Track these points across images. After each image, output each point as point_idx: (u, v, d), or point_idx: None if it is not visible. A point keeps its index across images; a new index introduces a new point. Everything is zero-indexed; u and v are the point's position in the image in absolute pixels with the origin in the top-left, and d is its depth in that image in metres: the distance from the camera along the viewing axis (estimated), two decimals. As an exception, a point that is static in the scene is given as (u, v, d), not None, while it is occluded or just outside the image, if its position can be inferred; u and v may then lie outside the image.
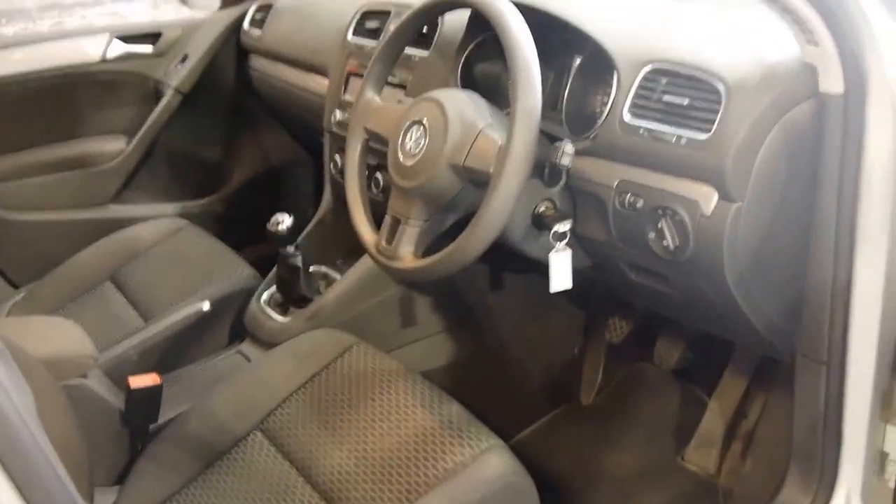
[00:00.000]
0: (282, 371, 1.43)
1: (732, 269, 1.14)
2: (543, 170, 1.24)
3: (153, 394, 1.38)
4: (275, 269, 1.81)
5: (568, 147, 1.22)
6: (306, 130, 2.08)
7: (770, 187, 1.10)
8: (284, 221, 1.67)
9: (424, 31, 1.61)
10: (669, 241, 1.16)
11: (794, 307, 1.18)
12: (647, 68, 1.21)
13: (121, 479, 1.34)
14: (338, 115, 1.82)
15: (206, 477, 1.26)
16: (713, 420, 1.66)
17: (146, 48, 2.44)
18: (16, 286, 2.16)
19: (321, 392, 1.36)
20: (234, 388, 1.42)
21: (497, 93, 1.45)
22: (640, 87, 1.21)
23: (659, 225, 1.17)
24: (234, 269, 1.88)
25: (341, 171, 1.74)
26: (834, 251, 1.08)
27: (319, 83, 1.98)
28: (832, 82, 1.02)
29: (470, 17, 1.51)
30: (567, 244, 1.30)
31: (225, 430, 1.33)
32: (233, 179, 2.54)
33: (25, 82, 2.25)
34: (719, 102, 1.10)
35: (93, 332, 1.45)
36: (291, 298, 1.78)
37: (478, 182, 1.20)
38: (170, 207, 2.42)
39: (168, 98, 2.37)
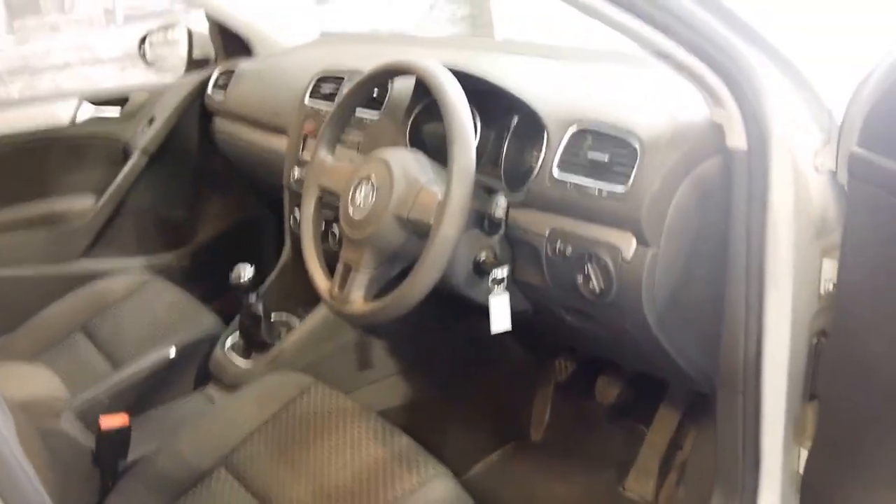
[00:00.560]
0: (244, 411, 1.48)
1: (651, 309, 1.20)
2: (483, 221, 1.32)
3: (122, 434, 1.40)
4: (238, 316, 1.85)
5: (501, 200, 1.31)
6: (268, 187, 2.10)
7: (683, 233, 1.17)
8: (245, 272, 1.72)
9: (375, 95, 1.67)
10: (595, 284, 1.23)
11: (711, 344, 1.21)
12: (573, 129, 1.28)
13: (92, 515, 1.38)
14: (296, 172, 1.86)
15: None
16: (650, 452, 1.71)
17: (114, 111, 2.48)
18: (-12, 338, 2.17)
19: (281, 430, 1.42)
20: (199, 428, 1.48)
21: (442, 151, 1.49)
22: (568, 145, 1.28)
23: (586, 270, 1.23)
24: (199, 318, 1.93)
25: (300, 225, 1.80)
26: (745, 293, 1.12)
27: (279, 143, 2.00)
28: (737, 139, 1.07)
29: (416, 83, 1.56)
30: (505, 288, 1.37)
31: (191, 466, 1.38)
32: (198, 234, 2.55)
33: None
34: (635, 158, 1.18)
35: (65, 378, 1.49)
36: (253, 344, 1.83)
37: (420, 233, 1.27)
38: (138, 261, 2.43)
39: (135, 159, 2.40)
